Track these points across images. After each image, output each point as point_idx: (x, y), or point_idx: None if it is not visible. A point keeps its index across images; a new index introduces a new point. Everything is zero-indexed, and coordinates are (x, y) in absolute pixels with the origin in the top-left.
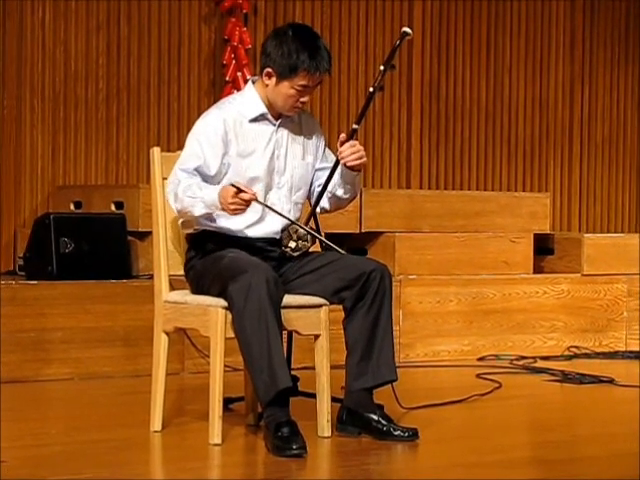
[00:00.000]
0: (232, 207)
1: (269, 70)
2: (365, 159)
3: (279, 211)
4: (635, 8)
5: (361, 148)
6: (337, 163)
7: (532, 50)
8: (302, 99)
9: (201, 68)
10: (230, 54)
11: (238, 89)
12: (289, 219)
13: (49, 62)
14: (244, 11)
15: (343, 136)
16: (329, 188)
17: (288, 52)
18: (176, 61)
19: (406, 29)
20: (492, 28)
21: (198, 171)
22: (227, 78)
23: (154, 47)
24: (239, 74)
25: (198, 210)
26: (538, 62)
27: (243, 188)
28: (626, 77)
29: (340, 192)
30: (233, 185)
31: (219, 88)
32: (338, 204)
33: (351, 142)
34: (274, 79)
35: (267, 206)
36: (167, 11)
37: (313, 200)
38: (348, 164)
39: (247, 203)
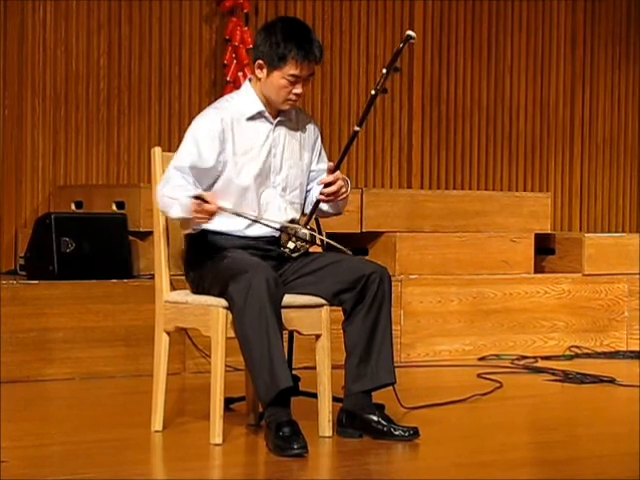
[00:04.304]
0: (196, 215)
1: (260, 62)
2: (346, 195)
3: (260, 216)
4: (636, 9)
5: (342, 184)
6: (318, 202)
7: (533, 51)
8: (295, 91)
9: (202, 68)
10: (231, 54)
11: (239, 89)
12: (260, 222)
13: (50, 62)
14: (245, 11)
15: (331, 165)
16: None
17: (276, 42)
18: (177, 61)
19: (410, 32)
20: (493, 29)
21: (193, 168)
22: (228, 78)
23: (155, 47)
24: (240, 74)
25: (174, 212)
26: (539, 62)
27: (208, 199)
28: (627, 77)
29: (325, 206)
30: (197, 197)
31: (220, 88)
32: (323, 216)
33: (335, 175)
34: (265, 70)
35: (238, 214)
36: (168, 11)
37: (308, 208)
38: (326, 202)
39: (210, 214)
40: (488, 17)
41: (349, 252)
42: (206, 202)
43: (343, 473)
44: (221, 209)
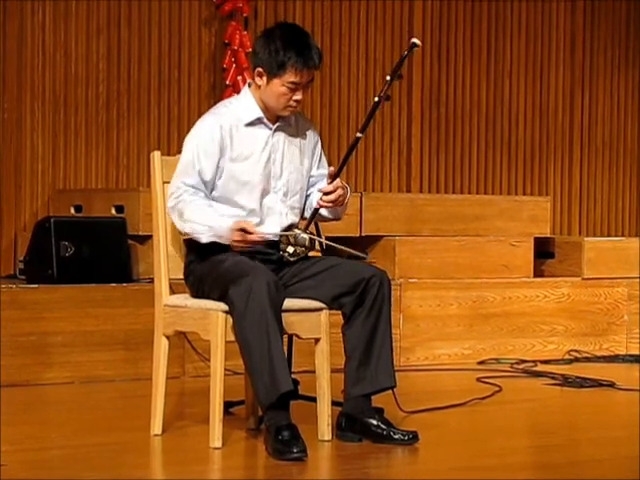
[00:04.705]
0: (237, 245)
1: (259, 70)
2: (342, 201)
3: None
4: (635, 12)
5: (342, 193)
6: (318, 208)
7: (532, 54)
8: (295, 97)
9: (201, 72)
10: (230, 58)
11: (238, 93)
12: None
13: (49, 65)
14: (244, 15)
15: (332, 169)
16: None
17: (275, 50)
18: (176, 65)
19: (415, 40)
20: (492, 32)
21: (201, 180)
22: (227, 82)
23: (154, 51)
24: (239, 78)
25: (207, 238)
26: (538, 66)
27: (249, 229)
28: (626, 81)
29: (324, 212)
30: (239, 229)
31: (219, 92)
32: (321, 220)
33: (334, 184)
34: (265, 78)
35: (277, 235)
36: (167, 14)
37: (307, 213)
38: (324, 209)
39: (253, 244)
40: (487, 20)
41: (364, 255)
42: (247, 232)
43: (342, 477)
44: (262, 237)
